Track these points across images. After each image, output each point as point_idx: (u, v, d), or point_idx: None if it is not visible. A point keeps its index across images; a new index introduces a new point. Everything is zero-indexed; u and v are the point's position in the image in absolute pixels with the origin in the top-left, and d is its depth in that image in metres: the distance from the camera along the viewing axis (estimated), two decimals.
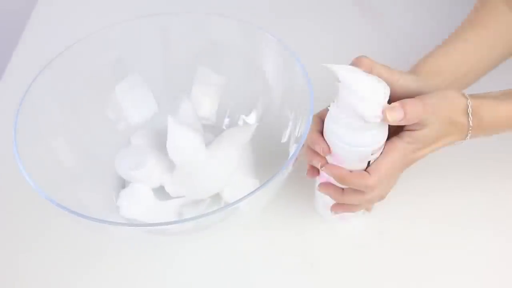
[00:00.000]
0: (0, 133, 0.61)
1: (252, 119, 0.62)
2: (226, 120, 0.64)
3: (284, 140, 0.58)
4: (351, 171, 0.50)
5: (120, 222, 0.55)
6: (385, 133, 0.49)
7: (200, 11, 0.59)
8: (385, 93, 0.47)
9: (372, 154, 0.49)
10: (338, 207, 0.54)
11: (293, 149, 0.54)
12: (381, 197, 0.53)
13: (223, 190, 0.57)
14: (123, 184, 0.59)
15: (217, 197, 0.57)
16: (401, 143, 0.50)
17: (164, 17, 0.60)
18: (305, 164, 0.53)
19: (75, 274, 0.55)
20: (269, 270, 0.55)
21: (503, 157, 0.62)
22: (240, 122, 0.63)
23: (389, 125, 0.49)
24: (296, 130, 0.56)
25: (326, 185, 0.53)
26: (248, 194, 0.46)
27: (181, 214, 0.57)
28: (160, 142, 0.59)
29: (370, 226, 0.57)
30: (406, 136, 0.50)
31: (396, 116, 0.47)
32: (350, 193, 0.52)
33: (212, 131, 0.62)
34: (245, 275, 0.55)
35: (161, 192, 0.58)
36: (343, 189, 0.52)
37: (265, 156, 0.58)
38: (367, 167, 0.51)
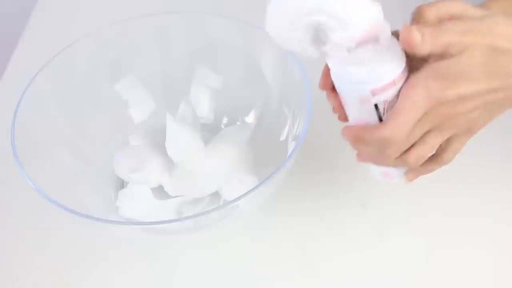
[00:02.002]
0: (0, 133, 0.61)
1: (250, 118, 0.62)
2: (225, 119, 0.64)
3: (282, 138, 0.58)
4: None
5: (119, 221, 0.55)
6: (391, 67, 0.39)
7: (199, 10, 0.59)
8: (369, 13, 0.38)
9: (374, 95, 0.40)
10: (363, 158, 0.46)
11: (291, 147, 0.54)
12: (423, 154, 0.42)
13: (222, 189, 0.57)
14: (122, 184, 0.59)
15: (216, 196, 0.58)
16: (420, 78, 0.39)
17: (163, 17, 0.60)
18: (304, 164, 0.53)
19: (75, 274, 0.55)
20: (268, 270, 0.55)
21: (504, 157, 0.62)
22: (239, 121, 0.63)
23: (410, 62, 0.39)
24: (295, 129, 0.56)
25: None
26: (247, 192, 0.46)
27: (181, 213, 0.57)
28: (159, 142, 0.59)
29: (370, 226, 0.57)
30: (427, 68, 0.39)
31: (408, 37, 0.36)
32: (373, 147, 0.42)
33: (210, 130, 0.62)
34: (245, 275, 0.55)
35: (160, 191, 0.58)
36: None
37: (264, 155, 0.59)
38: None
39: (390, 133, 0.40)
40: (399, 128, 0.40)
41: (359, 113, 0.42)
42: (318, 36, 0.41)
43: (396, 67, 0.39)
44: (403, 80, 0.40)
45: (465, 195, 0.59)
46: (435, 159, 0.47)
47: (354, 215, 0.57)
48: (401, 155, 0.43)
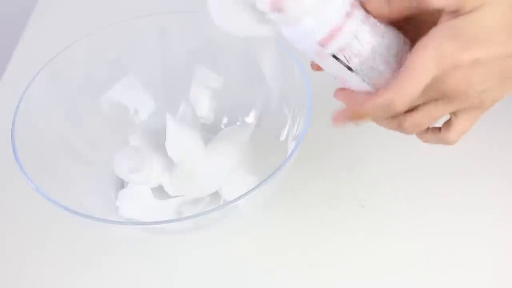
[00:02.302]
0: (0, 133, 0.61)
1: (250, 118, 0.62)
2: (225, 119, 0.64)
3: (282, 138, 0.58)
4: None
5: (120, 221, 0.55)
6: (329, 14, 0.37)
7: (199, 10, 0.59)
8: None
9: (324, 47, 0.38)
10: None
11: (291, 147, 0.54)
12: (421, 123, 0.38)
13: (222, 189, 0.57)
14: (122, 184, 0.59)
15: (216, 196, 0.58)
16: (431, 38, 0.34)
17: (163, 17, 0.60)
18: (304, 163, 0.53)
19: (75, 274, 0.55)
20: (268, 270, 0.55)
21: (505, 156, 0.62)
22: (239, 121, 0.63)
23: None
24: (295, 129, 0.56)
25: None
26: (247, 192, 0.46)
27: (181, 213, 0.57)
28: (159, 142, 0.59)
29: (370, 226, 0.57)
30: (440, 27, 0.34)
31: None
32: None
33: (210, 130, 0.62)
34: (245, 275, 0.55)
35: (160, 191, 0.58)
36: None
37: (264, 155, 0.59)
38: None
39: (393, 98, 0.36)
40: (405, 93, 0.35)
41: (330, 69, 0.41)
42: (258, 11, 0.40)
43: (334, 13, 0.37)
44: (356, 22, 0.38)
45: (465, 195, 0.59)
46: (438, 133, 0.42)
47: (354, 215, 0.57)
48: (396, 117, 0.39)
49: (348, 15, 0.38)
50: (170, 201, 0.57)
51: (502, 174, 0.60)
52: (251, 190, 0.46)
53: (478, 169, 0.60)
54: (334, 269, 0.55)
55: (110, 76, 0.61)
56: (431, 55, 0.35)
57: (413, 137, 0.62)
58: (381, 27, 0.39)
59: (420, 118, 0.39)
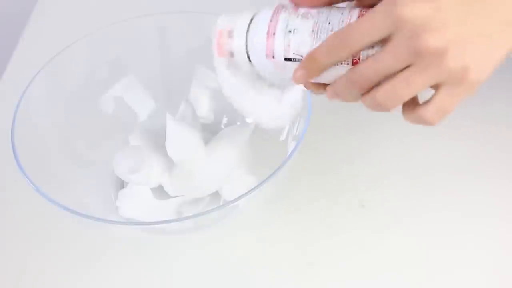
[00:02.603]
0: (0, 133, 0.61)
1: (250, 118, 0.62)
2: (225, 119, 0.64)
3: (282, 138, 0.58)
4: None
5: (120, 221, 0.55)
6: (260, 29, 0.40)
7: (199, 10, 0.59)
8: None
9: (274, 57, 0.41)
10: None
11: (291, 147, 0.54)
12: (394, 92, 0.36)
13: (222, 188, 0.57)
14: (122, 184, 0.59)
15: (216, 196, 0.58)
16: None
17: (163, 17, 0.60)
18: (304, 163, 0.53)
19: (75, 274, 0.55)
20: (269, 270, 0.55)
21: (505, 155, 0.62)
22: (239, 121, 0.63)
23: None
24: (295, 129, 0.56)
25: None
26: (247, 192, 0.46)
27: (181, 213, 0.57)
28: (159, 142, 0.59)
29: (370, 226, 0.57)
30: None
31: None
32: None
33: (210, 130, 0.62)
34: (245, 275, 0.55)
35: (160, 191, 0.58)
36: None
37: (264, 155, 0.59)
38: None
39: (345, 33, 0.36)
40: (357, 29, 0.35)
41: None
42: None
43: (261, 23, 0.41)
44: (284, 18, 0.40)
45: (465, 195, 0.59)
46: (416, 109, 0.38)
47: (354, 215, 0.58)
48: (370, 90, 0.37)
49: (273, 16, 0.41)
50: (170, 201, 0.57)
51: (504, 174, 0.60)
52: (251, 190, 0.46)
53: (479, 168, 0.60)
54: (334, 268, 0.55)
55: (110, 76, 0.61)
56: (380, 9, 0.35)
57: (413, 137, 0.62)
58: (313, 11, 0.40)
59: (393, 88, 0.36)
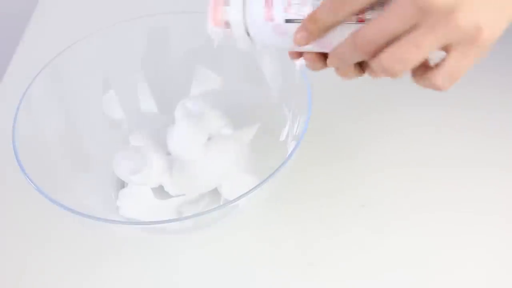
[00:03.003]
0: (0, 133, 0.61)
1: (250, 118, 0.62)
2: (226, 120, 0.64)
3: (282, 138, 0.58)
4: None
5: (120, 221, 0.55)
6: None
7: (199, 10, 0.59)
8: None
9: (272, 20, 0.38)
10: None
11: (291, 147, 0.54)
12: (401, 56, 0.33)
13: (222, 187, 0.57)
14: (122, 184, 0.59)
15: (216, 195, 0.58)
16: None
17: (163, 17, 0.60)
18: (304, 163, 0.53)
19: (75, 274, 0.55)
20: (268, 270, 0.55)
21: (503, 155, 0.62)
22: (240, 122, 0.63)
23: None
24: (295, 129, 0.56)
25: None
26: (248, 192, 0.46)
27: (181, 213, 0.57)
28: (159, 142, 0.59)
29: (370, 226, 0.57)
30: None
31: None
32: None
33: (210, 130, 0.62)
34: (245, 275, 0.55)
35: (160, 191, 0.58)
36: None
37: (264, 155, 0.59)
38: None
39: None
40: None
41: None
42: None
43: None
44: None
45: (466, 194, 0.59)
46: (425, 73, 0.36)
47: (354, 215, 0.58)
48: (377, 54, 0.35)
49: None
50: (170, 201, 0.57)
51: (507, 173, 0.60)
52: (251, 190, 0.46)
53: (480, 167, 0.60)
54: (334, 268, 0.55)
55: (110, 76, 0.61)
56: None
57: (415, 136, 0.62)
58: None
59: (399, 50, 0.34)
